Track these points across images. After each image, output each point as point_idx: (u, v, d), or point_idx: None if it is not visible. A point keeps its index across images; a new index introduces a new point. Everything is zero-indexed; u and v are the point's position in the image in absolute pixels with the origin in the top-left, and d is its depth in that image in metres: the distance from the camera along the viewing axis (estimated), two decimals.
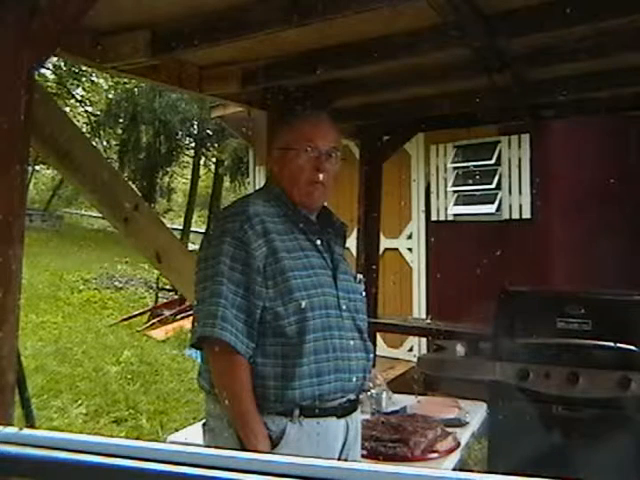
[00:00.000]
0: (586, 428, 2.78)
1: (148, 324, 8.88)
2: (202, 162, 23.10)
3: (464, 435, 2.59)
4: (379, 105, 3.86)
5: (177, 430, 3.58)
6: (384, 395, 2.86)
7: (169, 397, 5.78)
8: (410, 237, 6.37)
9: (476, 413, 2.88)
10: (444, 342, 3.64)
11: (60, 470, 0.61)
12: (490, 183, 5.37)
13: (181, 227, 20.58)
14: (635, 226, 4.65)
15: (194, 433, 2.37)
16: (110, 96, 20.40)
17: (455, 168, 5.64)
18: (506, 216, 5.34)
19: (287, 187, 1.83)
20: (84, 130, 17.80)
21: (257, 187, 3.72)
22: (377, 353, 4.05)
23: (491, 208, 5.33)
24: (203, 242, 1.82)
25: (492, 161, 5.38)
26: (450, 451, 2.38)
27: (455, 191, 5.63)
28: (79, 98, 20.55)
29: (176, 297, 9.25)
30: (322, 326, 1.71)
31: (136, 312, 9.79)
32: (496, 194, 5.35)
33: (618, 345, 2.80)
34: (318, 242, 1.83)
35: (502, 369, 3.04)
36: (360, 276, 1.96)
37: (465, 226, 5.57)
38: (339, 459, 1.75)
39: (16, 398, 2.17)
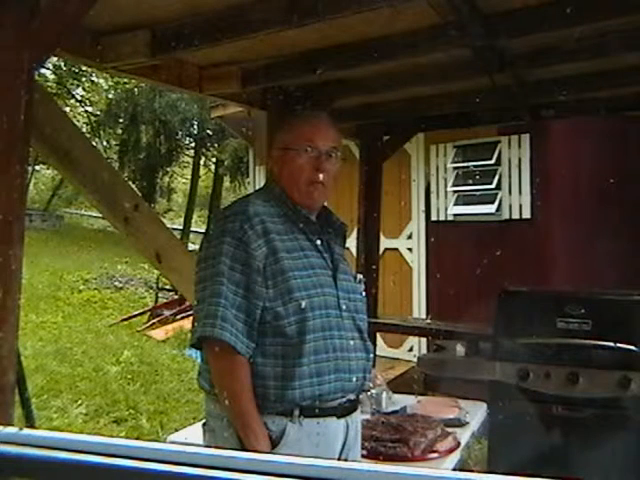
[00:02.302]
0: (586, 428, 2.78)
1: (148, 324, 8.88)
2: (202, 162, 23.10)
3: (464, 435, 2.59)
4: (379, 105, 3.87)
5: (177, 430, 3.58)
6: (384, 395, 2.86)
7: (169, 397, 5.78)
8: (410, 237, 6.37)
9: (476, 413, 2.88)
10: (444, 342, 3.64)
11: (60, 470, 0.61)
12: (490, 183, 5.37)
13: (181, 227, 20.58)
14: (635, 226, 4.66)
15: (194, 433, 2.38)
16: (110, 96, 20.40)
17: (455, 168, 5.65)
18: (506, 216, 5.34)
19: (287, 187, 1.83)
20: (84, 130, 17.81)
21: (257, 187, 3.72)
22: (377, 353, 4.06)
23: (491, 208, 5.33)
24: (203, 242, 1.82)
25: (492, 161, 5.39)
26: (450, 451, 2.38)
27: (455, 191, 5.64)
28: (79, 98, 20.55)
29: (176, 297, 9.25)
30: (322, 326, 1.71)
31: (136, 312, 9.79)
32: (496, 194, 5.35)
33: (618, 345, 2.79)
34: (318, 242, 1.83)
35: (502, 369, 3.04)
36: (360, 276, 1.96)
37: (465, 226, 5.58)
38: (339, 459, 1.75)
39: (16, 398, 2.17)
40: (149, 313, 9.50)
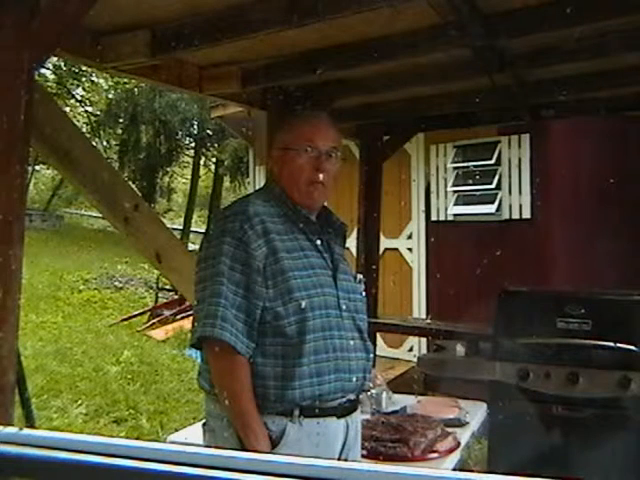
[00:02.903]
0: (586, 428, 2.78)
1: (148, 324, 8.88)
2: (202, 162, 23.10)
3: (464, 435, 2.59)
4: (379, 105, 3.87)
5: (177, 430, 3.58)
6: (384, 395, 2.86)
7: (169, 397, 5.78)
8: (410, 237, 6.37)
9: (476, 413, 2.88)
10: (444, 342, 3.64)
11: (60, 470, 0.61)
12: (490, 183, 5.37)
13: (181, 227, 20.59)
14: (635, 226, 4.66)
15: (194, 433, 2.38)
16: (110, 96, 20.41)
17: (455, 168, 5.65)
18: (506, 216, 5.34)
19: (287, 187, 1.83)
20: (84, 130, 17.81)
21: (257, 187, 3.73)
22: (377, 353, 4.06)
23: (491, 208, 5.33)
24: (203, 242, 1.82)
25: (492, 161, 5.39)
26: (450, 451, 2.38)
27: (455, 191, 5.64)
28: (79, 98, 20.55)
29: (176, 297, 9.25)
30: (322, 326, 1.71)
31: (136, 312, 9.79)
32: (496, 194, 5.35)
33: (618, 345, 2.79)
34: (318, 242, 1.83)
35: (502, 369, 3.04)
36: (360, 276, 1.96)
37: (465, 226, 5.58)
38: (339, 459, 1.75)
39: (16, 398, 2.17)
40: (149, 313, 9.50)
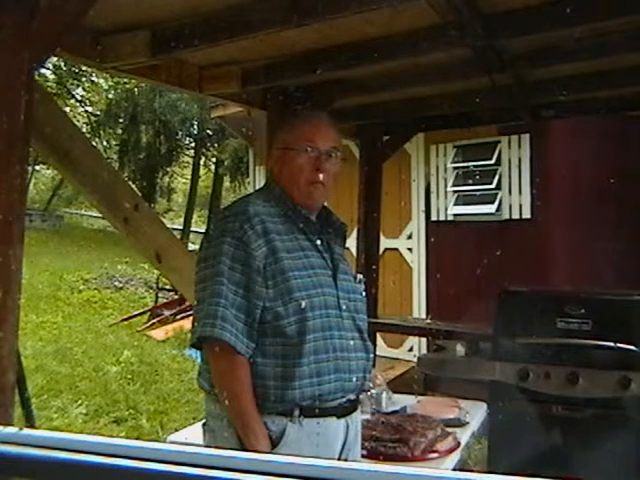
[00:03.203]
0: (586, 428, 2.78)
1: (148, 324, 8.88)
2: (202, 162, 23.10)
3: (464, 435, 2.59)
4: (379, 105, 3.87)
5: (177, 430, 3.58)
6: (384, 395, 2.86)
7: (169, 397, 5.78)
8: (410, 237, 6.37)
9: (476, 413, 2.87)
10: (444, 342, 3.64)
11: (60, 470, 0.61)
12: (490, 183, 5.37)
13: (181, 227, 20.59)
14: (635, 226, 4.66)
15: (194, 433, 2.38)
16: (110, 96, 20.42)
17: (455, 168, 5.65)
18: (506, 216, 5.34)
19: (287, 187, 1.83)
20: (84, 130, 17.81)
21: (257, 187, 3.73)
22: (377, 353, 4.06)
23: (491, 208, 5.33)
24: (203, 242, 1.82)
25: (492, 161, 5.39)
26: (450, 451, 2.38)
27: (455, 191, 5.63)
28: (79, 98, 20.56)
29: (176, 297, 9.25)
30: (322, 326, 1.71)
31: (136, 312, 9.79)
32: (496, 194, 5.35)
33: (618, 345, 2.79)
34: (318, 242, 1.83)
35: (502, 369, 3.04)
36: (360, 276, 1.96)
37: (465, 226, 5.58)
38: (339, 459, 1.75)
39: (16, 398, 2.17)
40: (149, 313, 9.50)
